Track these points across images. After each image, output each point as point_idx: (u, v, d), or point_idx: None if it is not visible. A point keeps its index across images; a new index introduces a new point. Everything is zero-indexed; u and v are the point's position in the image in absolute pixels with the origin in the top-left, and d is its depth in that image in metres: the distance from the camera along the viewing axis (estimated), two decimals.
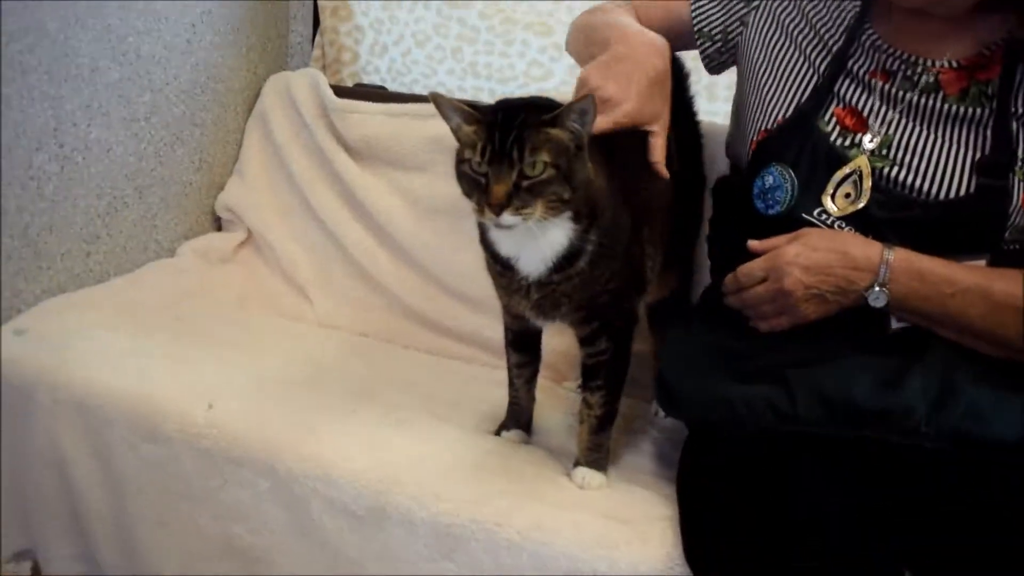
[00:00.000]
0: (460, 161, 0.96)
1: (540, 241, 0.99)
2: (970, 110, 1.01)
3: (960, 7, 1.01)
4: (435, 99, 0.97)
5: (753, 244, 1.03)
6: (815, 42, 1.12)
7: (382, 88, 1.92)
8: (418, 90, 1.95)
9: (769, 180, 1.05)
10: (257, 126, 1.86)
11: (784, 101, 1.10)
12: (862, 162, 1.02)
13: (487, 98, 1.89)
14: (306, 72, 1.85)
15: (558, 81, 1.79)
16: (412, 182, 1.69)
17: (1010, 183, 0.97)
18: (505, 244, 1.02)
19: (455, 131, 0.99)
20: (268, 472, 1.14)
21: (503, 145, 0.91)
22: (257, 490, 1.15)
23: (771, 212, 1.04)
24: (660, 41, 1.12)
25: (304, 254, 1.78)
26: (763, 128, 1.10)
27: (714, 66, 1.27)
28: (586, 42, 1.21)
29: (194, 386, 1.26)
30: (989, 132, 1.00)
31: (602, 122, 1.02)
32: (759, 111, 1.12)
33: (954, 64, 1.03)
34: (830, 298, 0.96)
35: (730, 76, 1.29)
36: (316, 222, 1.77)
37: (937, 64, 1.04)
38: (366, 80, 1.97)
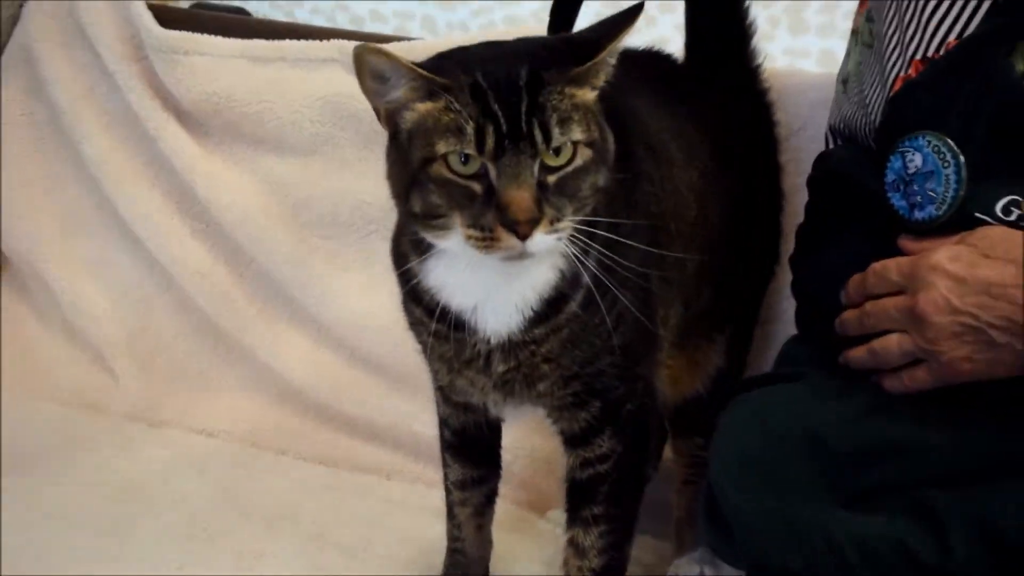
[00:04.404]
0: (426, 161, 0.94)
1: (519, 277, 1.02)
2: None
3: None
4: (361, 57, 0.94)
5: (906, 241, 1.06)
6: None
7: (240, 11, 1.95)
8: (303, 16, 1.99)
9: (915, 160, 1.06)
10: (17, 75, 1.87)
11: (960, 13, 1.09)
12: None
13: (418, 30, 1.95)
14: None
15: None
16: (292, 173, 1.71)
17: None
18: (463, 290, 1.04)
19: (395, 112, 0.97)
20: None
21: (516, 123, 0.92)
22: None
23: (919, 216, 1.06)
24: None
25: (105, 296, 1.79)
26: (913, 61, 1.10)
27: None
28: None
29: None
30: None
31: None
32: (912, 32, 1.12)
33: None
34: (998, 339, 0.97)
35: None
36: (127, 241, 1.79)
37: None
38: None
